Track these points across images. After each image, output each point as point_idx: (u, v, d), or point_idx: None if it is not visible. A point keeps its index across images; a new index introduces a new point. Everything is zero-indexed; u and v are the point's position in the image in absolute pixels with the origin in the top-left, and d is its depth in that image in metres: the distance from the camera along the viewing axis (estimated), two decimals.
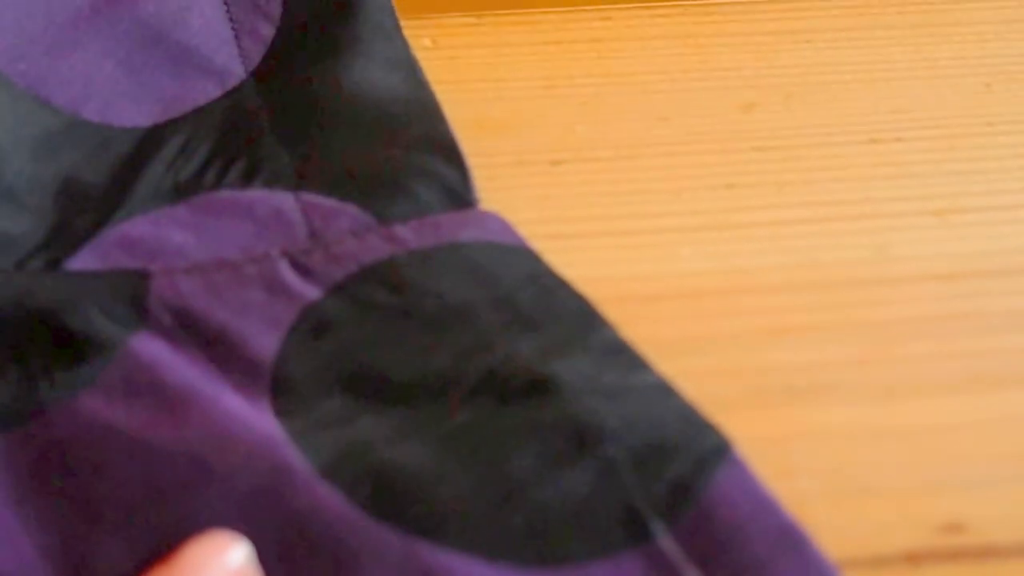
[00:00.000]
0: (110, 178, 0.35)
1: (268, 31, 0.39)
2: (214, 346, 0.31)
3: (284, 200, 0.35)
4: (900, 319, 0.34)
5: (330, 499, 0.29)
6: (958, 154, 0.38)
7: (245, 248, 0.34)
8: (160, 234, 0.34)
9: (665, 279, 0.35)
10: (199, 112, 0.37)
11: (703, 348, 0.33)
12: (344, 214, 0.34)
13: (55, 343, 0.31)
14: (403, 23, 0.39)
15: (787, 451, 0.31)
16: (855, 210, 0.37)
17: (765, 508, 0.28)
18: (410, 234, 0.34)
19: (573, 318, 0.32)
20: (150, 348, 0.31)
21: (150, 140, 0.36)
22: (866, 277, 0.35)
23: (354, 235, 0.34)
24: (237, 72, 0.38)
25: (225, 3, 0.39)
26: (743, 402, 0.32)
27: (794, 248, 0.36)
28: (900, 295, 0.35)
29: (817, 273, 0.35)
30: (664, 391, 0.31)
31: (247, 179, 0.35)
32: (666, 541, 0.28)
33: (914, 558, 0.29)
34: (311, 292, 0.33)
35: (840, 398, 0.32)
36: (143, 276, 0.33)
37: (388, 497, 0.29)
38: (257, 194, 0.35)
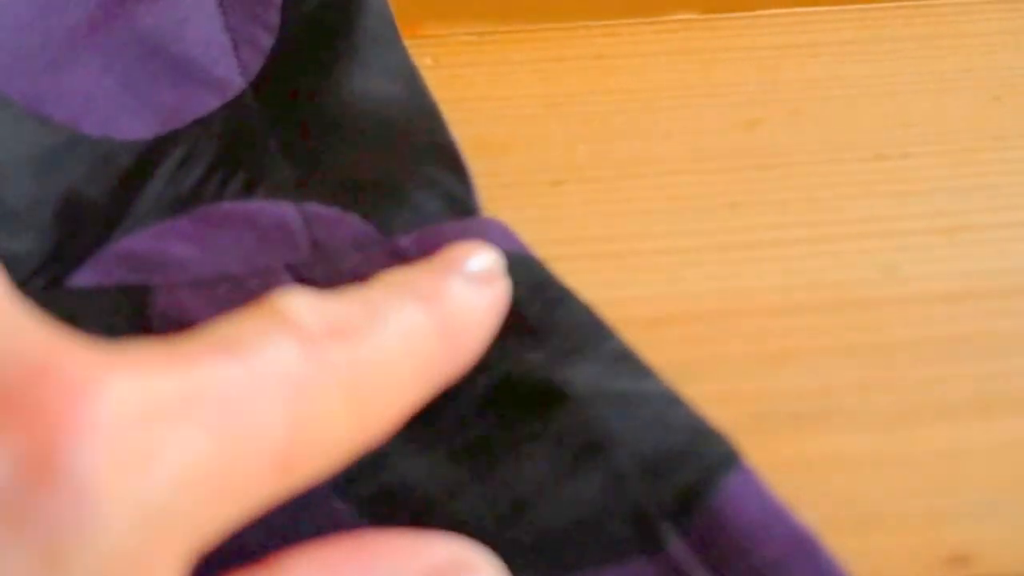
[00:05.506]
0: (111, 193, 0.35)
1: (267, 41, 0.38)
2: None
3: (286, 210, 0.35)
4: (908, 341, 0.33)
5: (343, 515, 0.29)
6: (967, 170, 0.38)
7: (248, 260, 0.34)
8: (162, 247, 0.34)
9: (667, 301, 0.35)
10: (199, 123, 0.37)
11: (705, 373, 0.33)
12: (346, 224, 0.34)
13: None
14: (404, 42, 0.39)
15: (791, 479, 0.30)
16: (861, 229, 0.36)
17: (776, 514, 0.28)
18: (413, 246, 0.33)
19: (580, 327, 0.32)
20: None
21: (151, 153, 0.36)
22: (873, 298, 0.34)
23: (357, 247, 0.33)
24: (236, 82, 0.38)
25: (223, 13, 0.39)
26: (745, 429, 0.31)
27: (799, 269, 0.35)
28: (908, 316, 0.34)
29: (822, 294, 0.35)
30: (671, 400, 0.30)
31: (248, 190, 0.35)
32: (677, 547, 0.28)
33: None
34: None
35: (845, 424, 0.32)
36: (145, 291, 0.33)
37: (400, 514, 0.29)
38: (259, 205, 0.35)
